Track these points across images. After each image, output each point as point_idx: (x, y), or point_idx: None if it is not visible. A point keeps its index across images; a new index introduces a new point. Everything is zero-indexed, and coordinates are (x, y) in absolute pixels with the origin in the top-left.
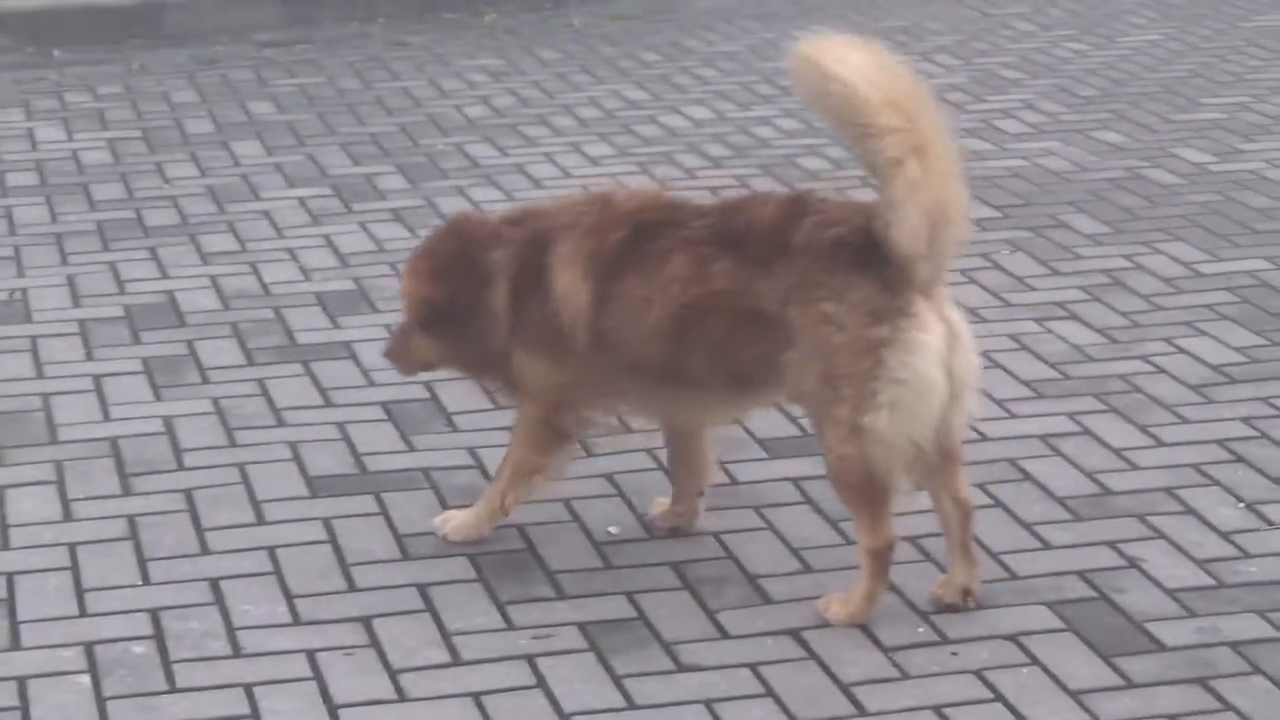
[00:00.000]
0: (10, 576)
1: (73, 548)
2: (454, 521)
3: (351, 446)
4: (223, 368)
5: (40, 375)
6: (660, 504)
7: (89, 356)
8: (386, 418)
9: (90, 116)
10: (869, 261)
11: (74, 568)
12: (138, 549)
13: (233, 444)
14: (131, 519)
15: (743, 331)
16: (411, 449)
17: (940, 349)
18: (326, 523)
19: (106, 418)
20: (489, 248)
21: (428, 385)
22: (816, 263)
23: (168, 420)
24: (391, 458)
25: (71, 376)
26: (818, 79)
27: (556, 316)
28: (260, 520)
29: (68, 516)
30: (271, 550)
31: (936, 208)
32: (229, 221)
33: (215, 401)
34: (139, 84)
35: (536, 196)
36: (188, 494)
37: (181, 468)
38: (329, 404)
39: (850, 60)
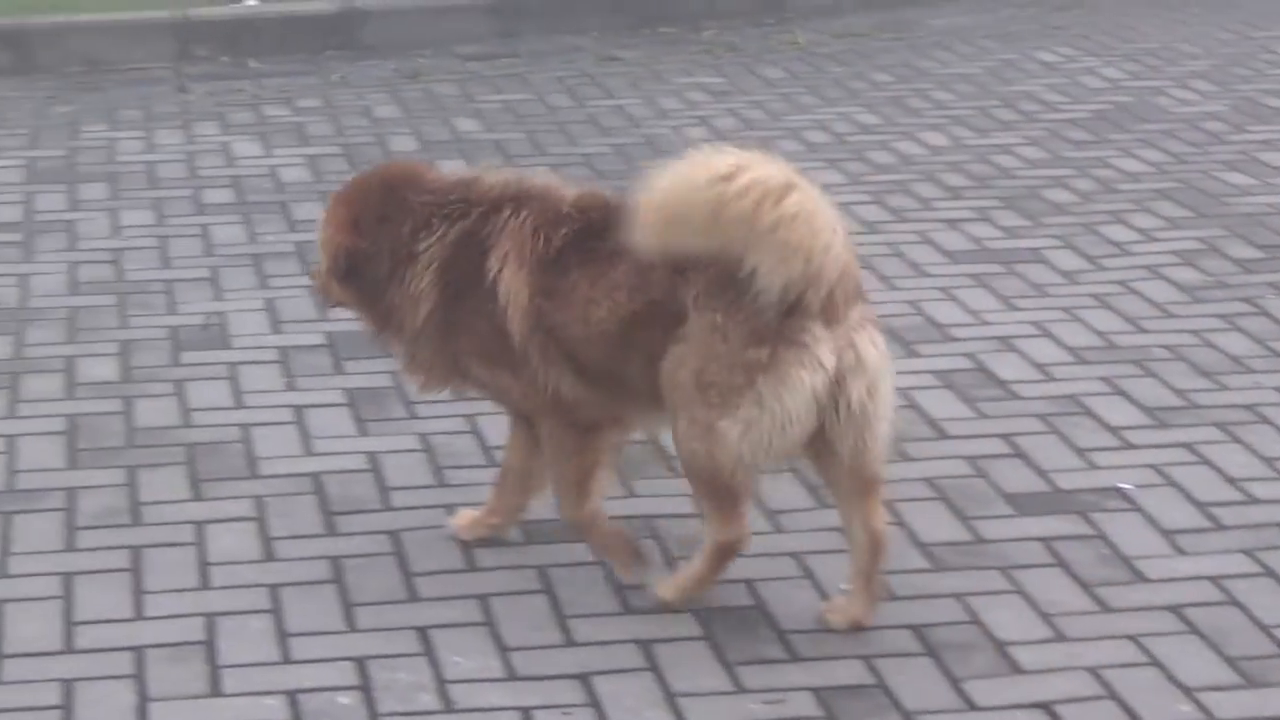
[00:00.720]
0: (211, 618)
1: (275, 589)
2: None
3: None
4: (430, 402)
5: (239, 405)
6: (467, 514)
7: (290, 386)
8: None
9: (288, 131)
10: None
11: (276, 610)
12: (343, 592)
13: (442, 484)
14: (336, 560)
15: (671, 337)
16: (631, 494)
17: (817, 386)
18: (542, 571)
19: (309, 452)
20: (420, 226)
21: None
22: (720, 273)
23: (373, 456)
24: (610, 503)
25: (272, 407)
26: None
27: (501, 319)
28: (471, 566)
29: (269, 556)
30: (483, 599)
31: (804, 278)
32: None
33: (423, 438)
34: (339, 97)
35: None
36: (395, 536)
37: (388, 507)
38: None
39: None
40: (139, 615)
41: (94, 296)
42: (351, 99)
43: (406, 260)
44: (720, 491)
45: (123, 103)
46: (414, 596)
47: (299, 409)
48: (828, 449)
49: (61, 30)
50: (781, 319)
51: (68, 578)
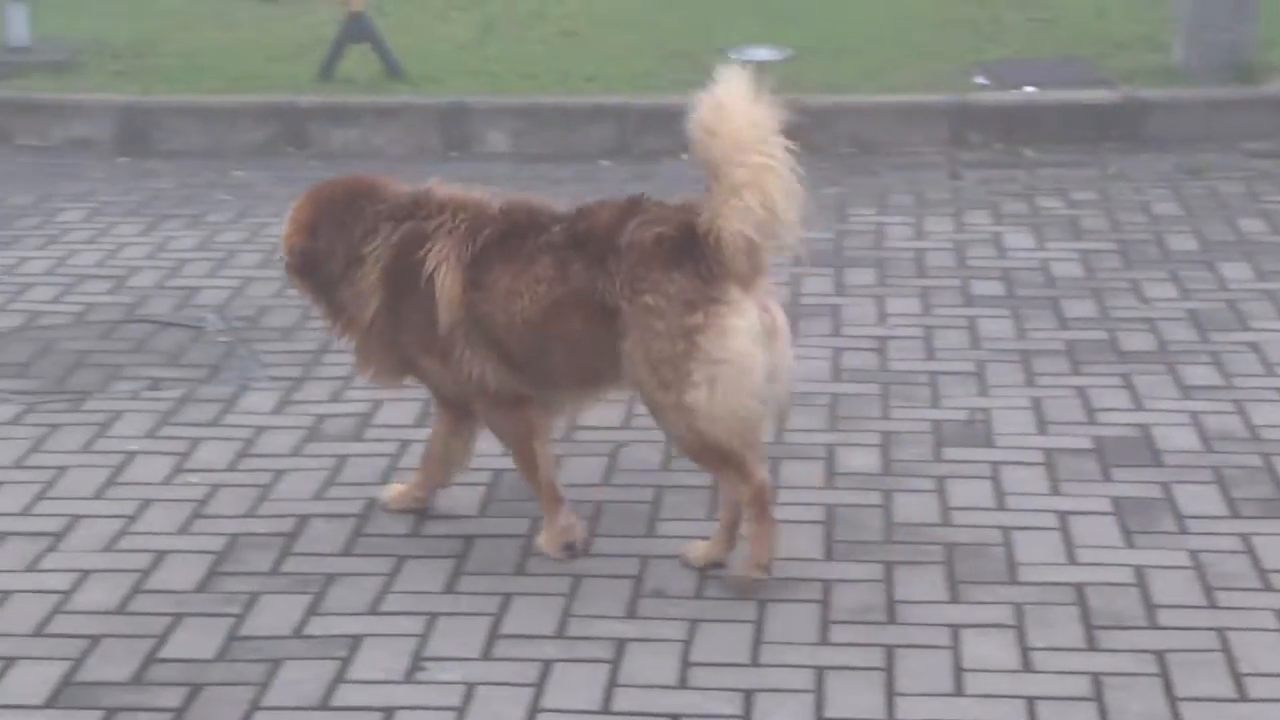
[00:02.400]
0: None
1: (1031, 702)
2: (543, 538)
3: None
4: (1202, 517)
5: (1001, 506)
6: (395, 488)
7: (1054, 490)
8: None
9: (1061, 224)
10: (685, 257)
11: None
12: (1102, 712)
13: (1212, 605)
14: (1096, 677)
15: (592, 325)
16: None
17: (755, 330)
18: None
19: (1071, 560)
20: (369, 232)
21: None
22: (640, 259)
23: (1139, 570)
24: None
25: (1034, 511)
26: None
27: (434, 311)
28: (1242, 696)
29: (1026, 667)
30: None
31: (762, 227)
32: (1212, 352)
33: (1193, 554)
34: (1115, 191)
35: None
36: (1159, 656)
37: (1153, 626)
38: None
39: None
40: (890, 718)
41: (857, 385)
42: (1129, 193)
43: (356, 262)
44: (719, 458)
45: (893, 187)
46: None
47: (1063, 515)
48: None
49: (834, 111)
50: (706, 286)
51: (819, 672)
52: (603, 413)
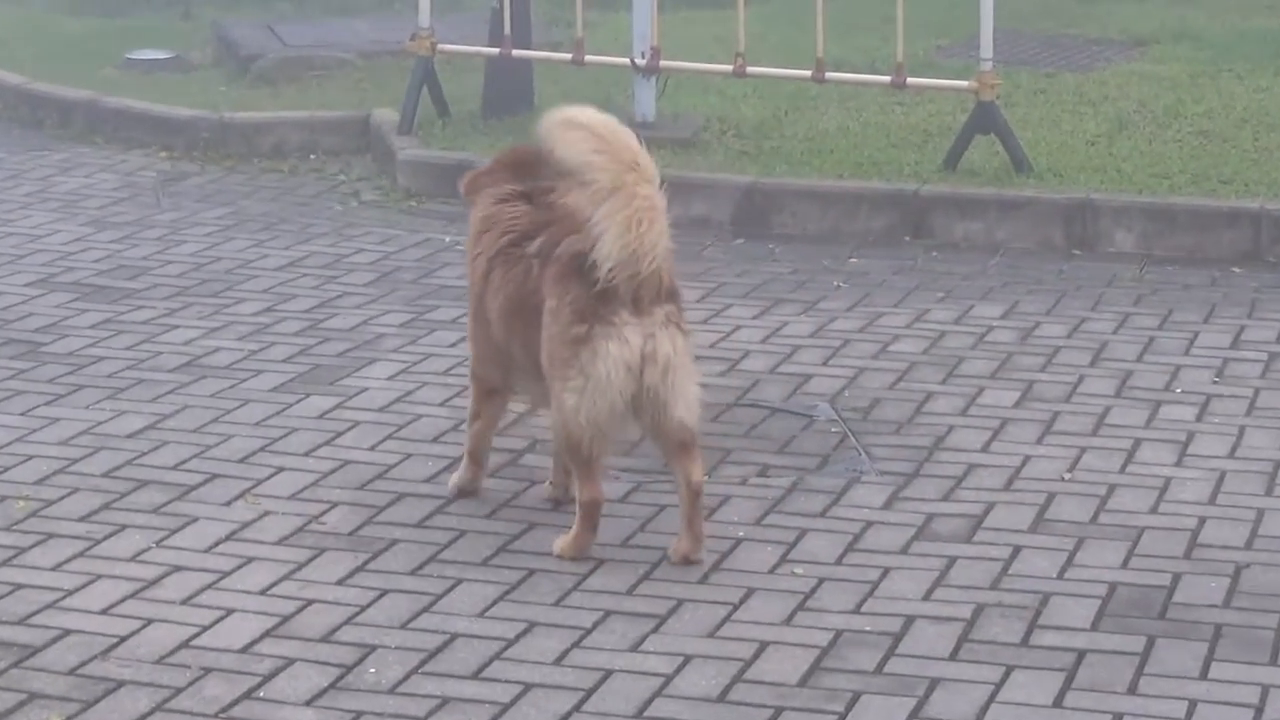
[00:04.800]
0: None
1: None
2: (453, 479)
3: None
4: None
5: None
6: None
7: None
8: None
9: None
10: (590, 273)
11: None
12: None
13: None
14: None
15: (530, 325)
16: None
17: (626, 357)
18: None
19: None
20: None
21: None
22: (557, 269)
23: None
24: None
25: None
26: (563, 148)
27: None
28: None
29: None
30: None
31: (632, 233)
32: None
33: None
34: None
35: None
36: None
37: None
38: None
39: (583, 131)
40: None
41: None
42: None
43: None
44: (577, 457)
45: None
46: None
47: None
48: (638, 420)
49: None
50: (598, 303)
51: None
52: (1223, 530)
